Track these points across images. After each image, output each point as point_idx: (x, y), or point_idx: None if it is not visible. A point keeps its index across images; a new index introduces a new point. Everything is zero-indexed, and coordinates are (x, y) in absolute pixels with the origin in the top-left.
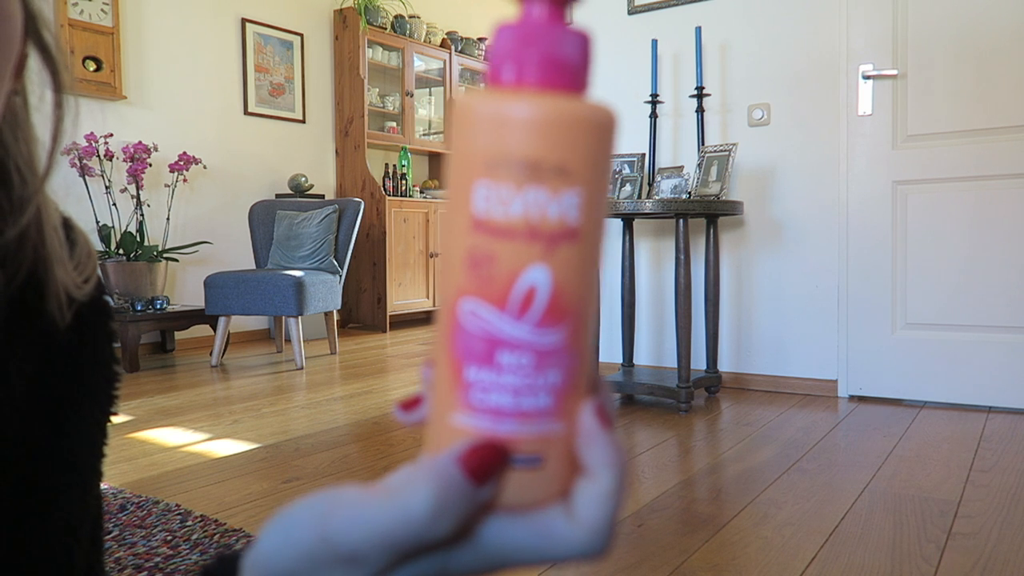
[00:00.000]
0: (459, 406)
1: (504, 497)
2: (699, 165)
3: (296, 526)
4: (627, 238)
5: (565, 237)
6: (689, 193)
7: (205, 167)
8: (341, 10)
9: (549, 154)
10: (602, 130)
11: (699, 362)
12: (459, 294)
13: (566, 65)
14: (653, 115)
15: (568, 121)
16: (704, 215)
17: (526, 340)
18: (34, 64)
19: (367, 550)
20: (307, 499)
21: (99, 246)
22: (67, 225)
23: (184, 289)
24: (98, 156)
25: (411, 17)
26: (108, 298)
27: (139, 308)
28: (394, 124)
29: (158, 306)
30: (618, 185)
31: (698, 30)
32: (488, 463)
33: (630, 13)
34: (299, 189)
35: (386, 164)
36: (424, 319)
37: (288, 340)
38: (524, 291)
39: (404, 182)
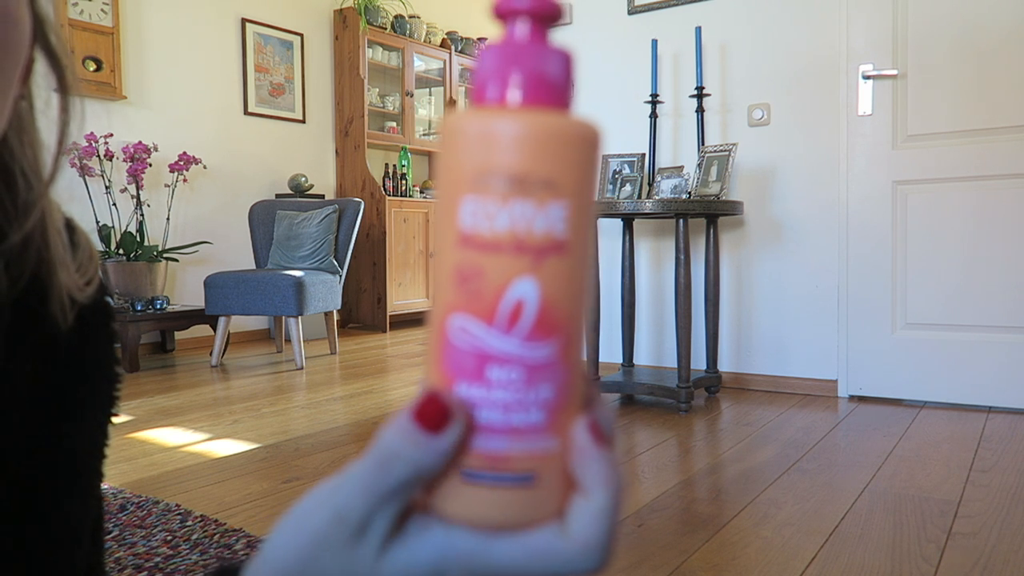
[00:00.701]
0: None
1: (497, 516)
2: (699, 165)
3: (308, 512)
4: (627, 238)
5: (552, 250)
6: (689, 193)
7: (205, 167)
8: (341, 10)
9: (533, 167)
10: (586, 143)
11: (699, 362)
12: (448, 311)
13: (548, 82)
14: (653, 115)
15: (551, 134)
16: (704, 215)
17: (515, 354)
18: (39, 68)
19: (361, 504)
20: (315, 489)
21: (99, 246)
22: (69, 227)
23: (184, 289)
24: (98, 156)
25: (411, 17)
26: (109, 299)
27: (139, 308)
28: (394, 124)
29: (158, 306)
30: (618, 185)
31: (698, 30)
32: (433, 411)
33: (630, 13)
34: (299, 189)
35: (386, 164)
36: (424, 319)
37: (288, 340)
38: (512, 304)
39: (404, 182)
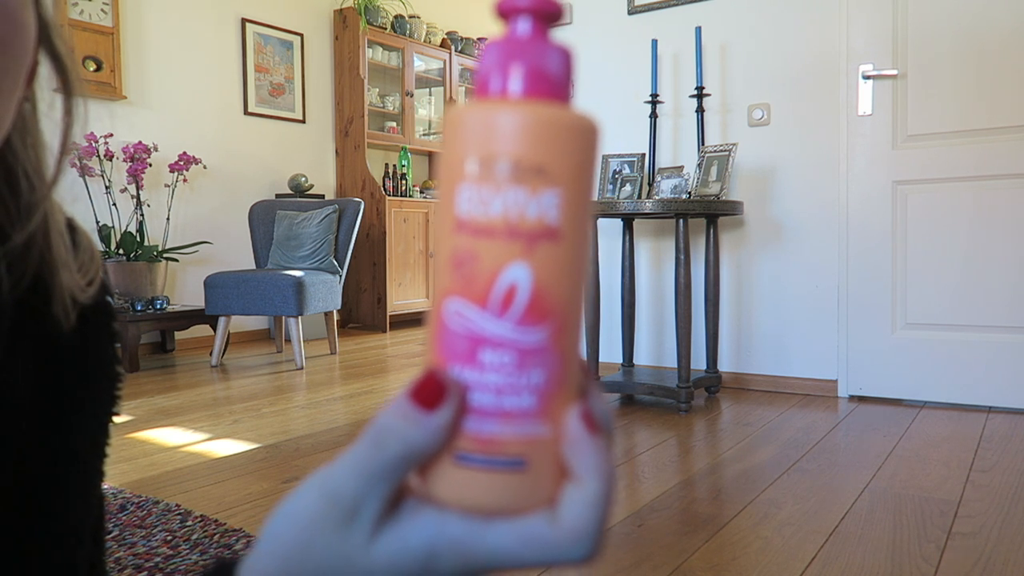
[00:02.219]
0: None
1: (488, 501)
2: (699, 165)
3: (301, 499)
4: (627, 238)
5: (545, 236)
6: (689, 193)
7: (205, 167)
8: (341, 10)
9: (527, 154)
10: (581, 134)
11: (699, 362)
12: (444, 294)
13: (547, 76)
14: (653, 115)
15: (546, 123)
16: (704, 215)
17: (508, 338)
18: (42, 70)
19: (353, 485)
20: (307, 478)
21: (99, 246)
22: (71, 227)
23: (184, 289)
24: (98, 156)
25: (411, 17)
26: (110, 299)
27: (139, 308)
28: (394, 124)
29: (158, 306)
30: (618, 185)
31: (698, 30)
32: (428, 388)
33: (630, 13)
34: (299, 189)
35: (386, 164)
36: (424, 319)
37: (288, 340)
38: (505, 288)
39: (404, 182)
